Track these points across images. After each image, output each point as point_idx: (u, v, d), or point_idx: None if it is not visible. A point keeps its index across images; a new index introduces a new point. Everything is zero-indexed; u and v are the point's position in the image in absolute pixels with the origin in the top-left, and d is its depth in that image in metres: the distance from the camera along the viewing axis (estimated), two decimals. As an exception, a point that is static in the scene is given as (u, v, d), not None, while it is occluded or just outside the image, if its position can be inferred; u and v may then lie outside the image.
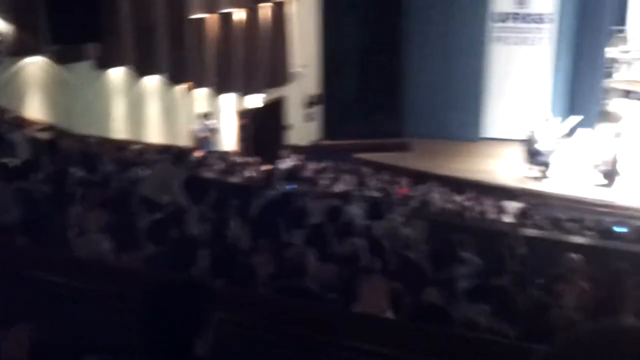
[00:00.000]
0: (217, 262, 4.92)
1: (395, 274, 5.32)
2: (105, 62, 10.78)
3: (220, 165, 10.57)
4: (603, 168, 13.06)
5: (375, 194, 10.12)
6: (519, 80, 15.22)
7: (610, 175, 13.01)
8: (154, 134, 11.84)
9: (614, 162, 12.95)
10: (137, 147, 10.49)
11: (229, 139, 13.88)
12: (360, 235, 6.55)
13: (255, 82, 14.12)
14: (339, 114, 15.70)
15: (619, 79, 16.60)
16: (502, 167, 14.14)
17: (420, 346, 2.84)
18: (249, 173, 10.67)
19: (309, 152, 14.15)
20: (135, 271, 4.20)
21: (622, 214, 11.67)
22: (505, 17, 14.97)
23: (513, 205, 11.08)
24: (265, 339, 2.99)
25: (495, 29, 15.04)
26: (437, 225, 8.12)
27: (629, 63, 17.96)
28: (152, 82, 11.84)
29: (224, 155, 12.15)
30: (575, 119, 14.01)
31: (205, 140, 12.58)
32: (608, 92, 16.45)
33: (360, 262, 5.56)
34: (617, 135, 13.25)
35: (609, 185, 13.00)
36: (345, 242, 6.21)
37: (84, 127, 10.07)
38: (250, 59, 13.96)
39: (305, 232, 6.16)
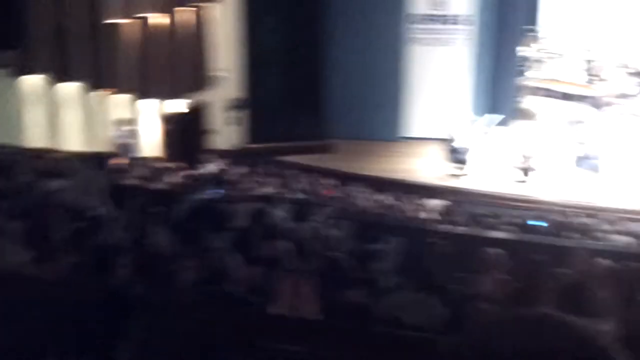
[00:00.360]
0: (139, 269, 4.86)
1: (319, 275, 5.36)
2: (22, 70, 10.52)
3: (142, 172, 10.43)
4: (520, 164, 13.44)
5: (300, 196, 10.16)
6: (438, 80, 15.53)
7: (526, 170, 13.40)
8: (73, 142, 11.59)
9: (530, 158, 13.34)
10: (55, 155, 10.26)
11: (151, 145, 13.70)
12: (285, 237, 6.57)
13: (177, 87, 13.98)
14: (264, 117, 15.68)
15: (532, 77, 17.10)
16: (423, 166, 14.39)
17: (342, 345, 2.88)
18: (172, 179, 10.57)
19: (234, 156, 14.10)
20: (56, 281, 4.13)
21: (539, 208, 12.03)
22: (422, 19, 15.24)
23: (435, 203, 11.30)
24: (188, 343, 2.99)
25: (413, 30, 15.29)
26: (361, 225, 8.20)
27: (541, 61, 18.53)
28: (71, 89, 11.59)
29: (146, 161, 11.99)
30: (493, 117, 14.39)
31: (125, 146, 12.39)
32: (522, 90, 16.92)
33: (284, 265, 5.58)
34: (535, 133, 13.63)
35: (525, 180, 13.39)
36: (270, 245, 6.23)
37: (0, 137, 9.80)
38: (171, 64, 13.83)
39: (229, 236, 6.15)
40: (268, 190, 10.45)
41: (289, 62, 16.10)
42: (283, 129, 15.22)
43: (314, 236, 7.16)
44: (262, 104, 15.76)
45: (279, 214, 7.81)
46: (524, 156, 13.42)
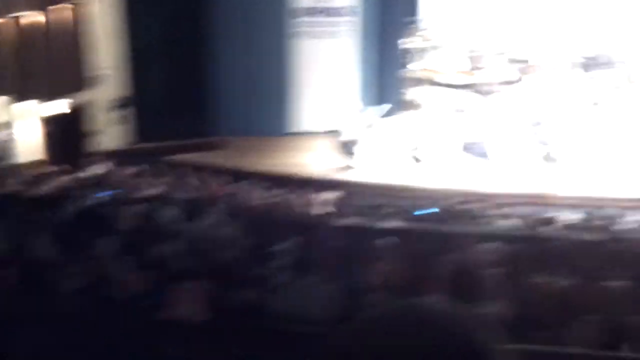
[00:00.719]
0: (22, 278, 4.64)
1: (212, 275, 5.27)
2: None
3: (23, 177, 10.00)
4: (410, 153, 13.70)
5: (190, 195, 9.98)
6: (325, 73, 15.59)
7: (416, 159, 13.68)
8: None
9: (419, 147, 13.62)
10: None
11: (32, 148, 13.17)
12: (175, 238, 6.43)
13: (56, 87, 13.50)
14: (149, 115, 15.33)
15: (416, 68, 17.47)
16: (314, 159, 14.43)
17: (235, 344, 2.82)
18: (56, 183, 10.18)
19: (120, 156, 13.74)
20: None
21: (430, 196, 12.27)
22: (306, 12, 15.26)
23: (327, 196, 11.34)
24: (76, 351, 2.85)
25: (297, 23, 15.30)
26: (254, 222, 8.14)
27: (424, 52, 18.96)
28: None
29: (26, 166, 11.52)
30: (381, 108, 14.58)
31: (3, 151, 11.86)
32: (407, 81, 17.24)
33: (175, 267, 5.45)
34: (423, 123, 13.89)
35: (416, 169, 13.66)
36: (160, 247, 6.07)
37: None
38: (49, 64, 13.33)
39: (117, 240, 5.96)
40: (157, 190, 10.22)
41: (172, 58, 15.78)
42: (170, 127, 14.91)
43: (206, 236, 7.04)
44: (146, 102, 15.41)
45: (169, 214, 7.65)
46: (413, 145, 13.68)
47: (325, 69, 15.61)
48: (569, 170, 13.34)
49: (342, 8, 15.18)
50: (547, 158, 13.43)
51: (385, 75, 15.89)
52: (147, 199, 8.75)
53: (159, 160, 13.84)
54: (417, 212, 10.10)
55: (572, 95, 15.31)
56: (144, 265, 5.42)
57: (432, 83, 16.77)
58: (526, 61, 16.94)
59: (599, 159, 13.70)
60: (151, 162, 13.21)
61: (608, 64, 16.66)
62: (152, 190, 10.32)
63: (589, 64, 16.86)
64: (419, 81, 17.24)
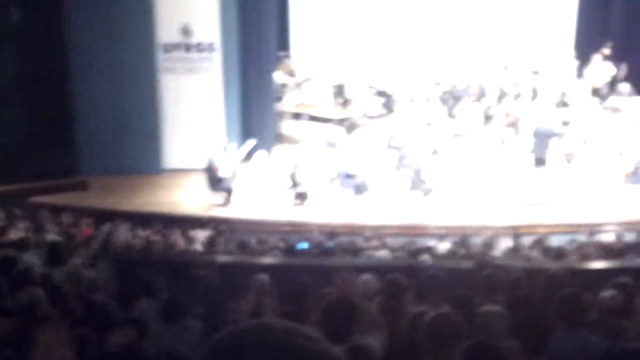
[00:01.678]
0: None
1: (79, 319, 4.98)
2: None
3: None
4: (285, 188, 13.66)
5: (54, 238, 9.49)
6: (194, 109, 15.38)
7: (293, 193, 13.65)
8: None
9: (294, 181, 13.61)
10: None
11: None
12: (38, 283, 6.05)
13: None
14: (9, 155, 14.58)
15: (288, 102, 17.61)
16: (187, 197, 14.16)
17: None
18: None
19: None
20: None
21: (306, 230, 12.26)
22: (172, 48, 15.06)
23: (201, 234, 11.12)
24: None
25: (164, 59, 15.05)
26: (124, 263, 7.84)
27: (295, 86, 19.16)
28: None
29: None
30: (250, 143, 14.52)
31: None
32: (279, 115, 17.32)
33: (38, 312, 5.11)
34: (296, 156, 13.91)
35: (293, 204, 13.65)
36: (21, 293, 5.69)
37: None
38: None
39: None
40: (18, 234, 9.68)
41: (33, 96, 15.14)
42: (31, 167, 14.25)
43: (72, 279, 6.68)
44: (6, 142, 14.66)
45: (31, 259, 7.21)
46: (288, 180, 13.66)
47: (194, 105, 15.40)
48: (440, 199, 13.69)
49: (208, 44, 15.06)
50: (419, 188, 13.72)
51: (255, 110, 15.84)
52: (7, 244, 8.27)
53: (20, 202, 13.16)
54: (295, 246, 10.04)
55: (437, 127, 15.81)
56: (4, 311, 5.10)
57: (305, 117, 16.93)
58: (391, 95, 17.41)
59: (467, 188, 14.16)
60: (12, 204, 12.54)
61: (468, 96, 17.38)
62: (13, 234, 9.77)
63: (450, 97, 17.55)
64: (292, 115, 17.38)
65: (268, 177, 14.03)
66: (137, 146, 15.06)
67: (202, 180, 13.90)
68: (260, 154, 14.45)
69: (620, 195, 13.66)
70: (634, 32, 18.84)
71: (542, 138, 13.75)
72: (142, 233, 11.26)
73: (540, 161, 13.79)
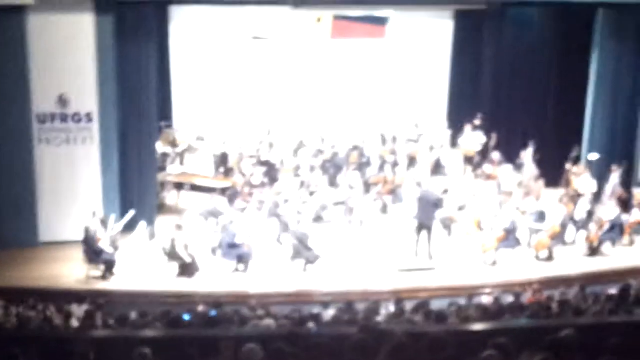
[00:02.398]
0: None
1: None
2: None
3: None
4: (169, 258, 13.44)
5: None
6: (71, 180, 14.97)
7: (181, 265, 13.45)
8: None
9: (177, 251, 13.42)
10: None
11: None
12: None
13: None
14: None
15: (170, 172, 17.46)
16: (65, 270, 13.67)
17: None
18: None
19: None
20: None
21: (190, 301, 12.05)
22: (48, 118, 14.69)
23: (79, 309, 10.73)
24: None
25: (40, 129, 14.65)
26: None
27: (177, 156, 19.09)
28: None
29: None
30: (130, 214, 14.24)
31: None
32: (162, 185, 17.13)
33: None
34: (179, 227, 13.75)
35: (179, 274, 13.44)
36: None
37: None
38: None
39: None
40: None
41: None
42: None
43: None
44: None
45: None
46: (170, 250, 13.46)
47: (70, 176, 14.98)
48: (324, 266, 13.82)
49: (85, 114, 14.78)
50: (303, 256, 13.80)
51: (133, 181, 15.59)
52: None
53: None
54: (178, 317, 9.84)
55: (319, 195, 16.06)
56: None
57: (186, 187, 16.81)
58: (274, 164, 17.63)
59: (350, 254, 14.39)
60: None
61: (348, 165, 17.82)
62: None
63: (332, 166, 17.94)
64: (173, 185, 17.22)
65: (149, 248, 13.78)
66: (13, 219, 14.48)
67: (80, 253, 13.47)
68: (142, 225, 14.19)
69: (495, 258, 14.23)
70: (501, 104, 19.99)
71: (426, 204, 14.15)
72: (17, 309, 10.75)
73: (424, 227, 14.16)
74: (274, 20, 20.86)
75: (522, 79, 19.47)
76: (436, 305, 10.39)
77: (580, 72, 17.82)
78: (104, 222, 13.96)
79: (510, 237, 14.32)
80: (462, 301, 10.66)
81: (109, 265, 13.42)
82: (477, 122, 20.02)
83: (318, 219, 15.43)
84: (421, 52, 22.38)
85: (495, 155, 18.31)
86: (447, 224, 15.47)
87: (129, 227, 14.14)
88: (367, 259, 14.11)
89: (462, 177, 17.54)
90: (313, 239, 14.61)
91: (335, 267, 13.87)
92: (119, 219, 14.19)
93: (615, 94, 17.23)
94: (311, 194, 16.16)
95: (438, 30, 22.52)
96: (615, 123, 17.36)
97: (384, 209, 16.65)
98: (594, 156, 17.25)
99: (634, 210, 15.40)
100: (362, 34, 21.58)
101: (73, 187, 14.97)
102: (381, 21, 21.51)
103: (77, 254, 13.62)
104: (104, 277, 13.38)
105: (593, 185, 16.55)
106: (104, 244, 13.40)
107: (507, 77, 19.94)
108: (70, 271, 13.60)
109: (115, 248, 13.63)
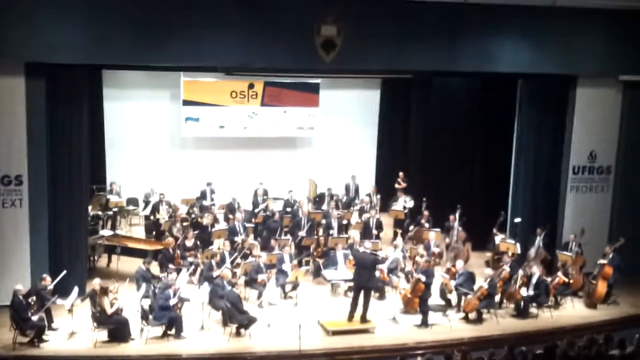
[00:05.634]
0: None
1: None
2: None
3: None
4: (99, 322, 13.20)
5: None
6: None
7: (110, 330, 13.22)
8: None
9: (108, 316, 13.21)
10: None
11: None
12: None
13: None
14: None
15: (101, 235, 17.23)
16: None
17: None
18: None
19: None
20: None
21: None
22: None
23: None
24: None
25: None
26: None
27: (110, 219, 18.90)
28: None
29: None
30: (62, 274, 13.90)
31: None
32: (94, 248, 16.87)
33: None
34: (108, 290, 13.52)
35: (109, 339, 13.21)
36: None
37: None
38: None
39: None
40: None
41: None
42: None
43: None
44: None
45: None
46: (99, 314, 13.22)
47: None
48: (258, 329, 13.78)
49: (12, 176, 14.56)
50: (236, 319, 13.76)
51: (66, 243, 15.35)
52: None
53: None
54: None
55: (255, 257, 16.05)
56: None
57: (117, 250, 16.62)
58: (207, 227, 17.62)
59: (283, 314, 14.40)
60: None
61: (282, 228, 17.95)
62: None
63: (264, 229, 18.05)
64: (104, 248, 17.00)
65: (68, 312, 13.49)
66: None
67: (7, 317, 13.11)
68: (75, 290, 13.88)
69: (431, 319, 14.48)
70: (429, 170, 20.61)
71: (364, 266, 14.22)
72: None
73: (362, 288, 14.20)
74: (206, 87, 21.24)
75: (449, 146, 20.16)
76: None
77: (504, 138, 18.56)
78: (35, 286, 13.71)
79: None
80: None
81: (38, 331, 13.08)
82: (403, 184, 20.63)
83: (251, 281, 15.43)
84: (351, 118, 23.06)
85: (425, 219, 18.76)
86: (379, 286, 15.68)
87: (61, 290, 13.83)
88: (301, 321, 14.15)
89: (393, 241, 17.88)
90: (246, 302, 14.63)
91: (268, 329, 13.87)
92: (48, 281, 13.88)
93: (536, 159, 17.95)
94: (244, 256, 16.18)
95: (367, 97, 23.26)
96: (537, 188, 18.04)
97: (317, 272, 16.78)
98: (519, 220, 17.85)
99: (558, 272, 15.94)
100: (295, 102, 22.16)
101: (0, 250, 14.62)
102: (314, 88, 22.11)
103: (4, 319, 13.23)
104: (32, 343, 13.01)
105: (517, 248, 17.08)
106: (33, 308, 13.09)
107: (434, 144, 20.62)
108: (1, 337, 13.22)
109: (45, 312, 13.33)
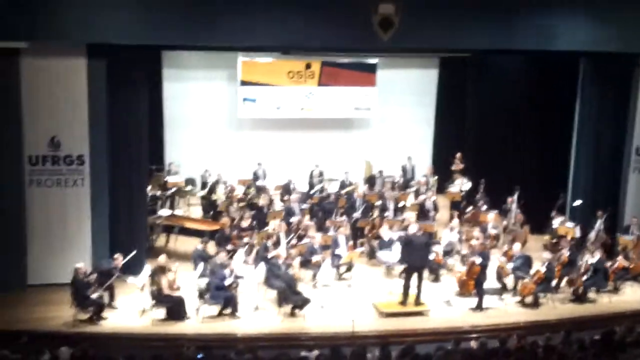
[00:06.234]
0: None
1: None
2: None
3: None
4: (158, 301, 13.45)
5: None
6: (61, 222, 15.00)
7: (169, 308, 13.48)
8: None
9: (167, 295, 13.45)
10: None
11: None
12: None
13: None
14: None
15: (161, 215, 17.53)
16: (54, 313, 13.63)
17: None
18: None
19: None
20: None
21: (177, 344, 12.00)
22: (39, 160, 14.76)
23: (66, 351, 10.70)
24: None
25: (31, 171, 14.71)
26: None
27: (167, 199, 19.18)
28: None
29: None
30: (119, 256, 14.14)
31: None
32: (152, 228, 17.19)
33: None
34: (166, 269, 13.75)
35: (167, 318, 13.47)
36: None
37: None
38: None
39: None
40: None
41: None
42: None
43: None
44: None
45: None
46: (158, 294, 13.47)
47: (59, 218, 15.02)
48: (311, 310, 13.86)
49: (76, 156, 14.87)
50: (291, 300, 13.85)
51: (126, 224, 15.65)
52: None
53: None
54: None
55: (309, 237, 16.12)
56: None
57: (176, 230, 16.89)
58: (262, 208, 17.73)
59: (337, 296, 14.46)
60: None
61: (337, 209, 17.97)
62: None
63: (320, 210, 18.09)
64: (163, 228, 17.29)
65: (139, 291, 13.79)
66: (2, 262, 14.47)
67: (70, 295, 13.47)
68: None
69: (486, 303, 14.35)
70: (486, 151, 20.31)
71: (417, 247, 14.17)
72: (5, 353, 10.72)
73: (415, 270, 14.15)
74: (263, 67, 21.29)
75: (507, 126, 19.80)
76: (422, 350, 10.45)
77: (564, 119, 18.17)
78: (96, 264, 14.05)
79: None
80: (449, 346, 10.73)
81: (98, 309, 13.41)
82: (461, 165, 20.39)
83: (306, 262, 15.51)
84: (408, 98, 22.85)
85: (482, 201, 18.54)
86: (434, 268, 15.61)
87: (121, 270, 14.12)
88: (355, 303, 14.19)
89: (450, 222, 17.73)
90: (301, 282, 14.73)
91: (322, 310, 13.93)
92: (109, 261, 14.20)
93: (598, 140, 17.56)
94: (300, 237, 16.25)
95: (424, 77, 23.00)
96: (599, 170, 17.65)
97: (371, 254, 16.78)
98: (579, 202, 17.50)
99: (619, 257, 15.61)
100: (352, 82, 22.05)
101: (63, 229, 15.00)
102: (371, 68, 21.97)
103: (65, 297, 13.59)
104: (91, 320, 13.35)
105: (577, 232, 16.75)
106: (93, 291, 13.40)
107: (490, 125, 20.29)
108: (57, 314, 13.57)
109: (104, 291, 13.64)
